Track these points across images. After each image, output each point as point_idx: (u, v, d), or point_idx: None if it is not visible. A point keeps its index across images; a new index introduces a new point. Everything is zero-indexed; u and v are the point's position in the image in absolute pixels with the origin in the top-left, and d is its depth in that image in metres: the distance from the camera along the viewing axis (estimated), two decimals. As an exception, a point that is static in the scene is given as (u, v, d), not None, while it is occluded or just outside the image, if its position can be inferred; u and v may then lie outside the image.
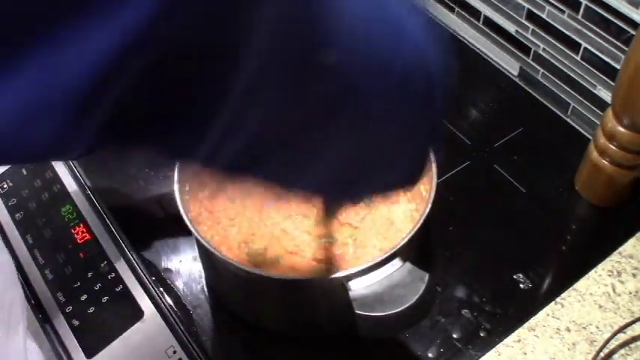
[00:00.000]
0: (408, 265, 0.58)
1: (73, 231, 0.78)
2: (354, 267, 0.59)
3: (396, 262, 0.58)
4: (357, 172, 0.39)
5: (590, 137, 0.81)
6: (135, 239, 0.77)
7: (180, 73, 0.29)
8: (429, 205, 0.62)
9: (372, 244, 0.69)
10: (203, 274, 0.73)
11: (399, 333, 0.68)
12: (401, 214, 0.73)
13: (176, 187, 0.64)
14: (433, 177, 0.65)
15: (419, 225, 0.61)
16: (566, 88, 0.89)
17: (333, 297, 0.60)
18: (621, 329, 0.67)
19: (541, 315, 0.70)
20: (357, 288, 0.57)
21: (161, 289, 0.72)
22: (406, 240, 0.60)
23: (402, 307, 0.55)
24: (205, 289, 0.72)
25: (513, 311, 0.70)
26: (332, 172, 0.38)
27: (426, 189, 0.70)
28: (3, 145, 0.29)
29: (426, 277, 0.57)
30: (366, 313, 0.56)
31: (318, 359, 0.69)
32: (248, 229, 0.71)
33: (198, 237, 0.61)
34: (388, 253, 0.58)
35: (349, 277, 0.57)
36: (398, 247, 0.59)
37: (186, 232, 0.77)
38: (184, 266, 0.75)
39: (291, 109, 0.33)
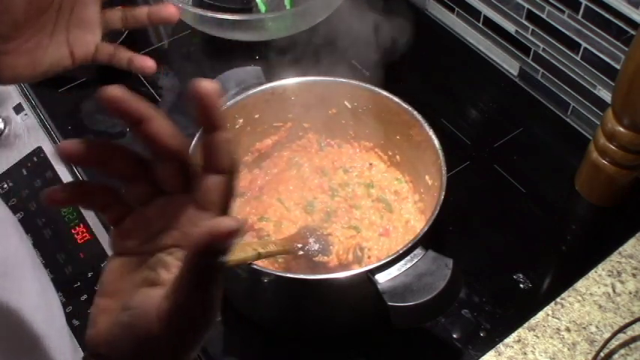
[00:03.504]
0: (431, 252, 0.59)
1: (73, 231, 0.78)
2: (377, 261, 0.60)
3: (419, 251, 0.59)
4: None
5: (590, 137, 0.81)
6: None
7: None
8: (443, 192, 0.63)
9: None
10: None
11: (432, 320, 0.68)
12: (410, 207, 0.75)
13: None
14: (442, 165, 0.66)
15: (436, 212, 0.62)
16: (566, 88, 0.89)
17: (362, 292, 0.60)
18: (621, 329, 0.67)
19: (541, 315, 0.70)
20: (385, 281, 0.58)
21: (161, 289, 0.72)
22: (426, 229, 0.61)
23: (433, 294, 0.56)
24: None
25: (513, 311, 0.70)
26: None
27: (431, 177, 0.70)
28: None
29: (451, 262, 0.58)
30: (399, 304, 0.56)
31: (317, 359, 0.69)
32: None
33: None
34: (410, 244, 0.59)
35: (374, 271, 0.58)
36: (419, 236, 0.60)
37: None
38: (184, 266, 0.75)
39: None
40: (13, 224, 0.70)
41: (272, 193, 0.77)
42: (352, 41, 0.95)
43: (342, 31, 0.94)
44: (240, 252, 0.58)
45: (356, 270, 0.60)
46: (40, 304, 0.70)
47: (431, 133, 0.69)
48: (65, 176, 0.84)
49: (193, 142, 0.69)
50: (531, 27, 0.89)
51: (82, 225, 0.79)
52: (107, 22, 0.65)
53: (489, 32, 0.97)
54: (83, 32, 0.63)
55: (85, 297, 0.73)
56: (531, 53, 0.91)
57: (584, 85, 0.86)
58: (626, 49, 0.76)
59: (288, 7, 1.00)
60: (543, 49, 0.89)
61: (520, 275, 0.73)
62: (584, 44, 0.82)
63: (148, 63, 0.68)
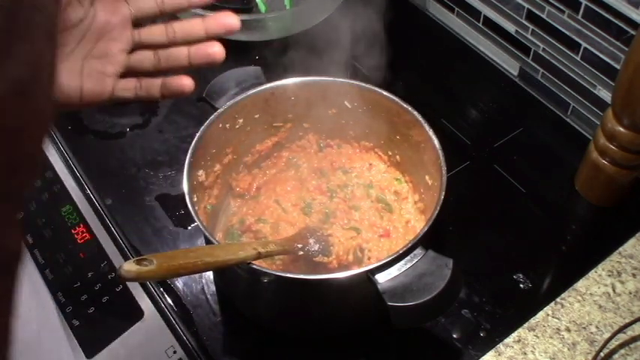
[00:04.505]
0: (431, 252, 0.59)
1: (73, 231, 0.78)
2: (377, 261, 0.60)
3: (419, 251, 0.59)
4: None
5: (590, 137, 0.81)
6: (135, 239, 0.77)
7: None
8: (443, 192, 0.63)
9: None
10: (204, 275, 0.73)
11: (432, 320, 0.68)
12: (410, 207, 0.75)
13: (187, 197, 0.64)
14: (442, 165, 0.66)
15: (436, 212, 0.62)
16: (566, 88, 0.89)
17: (362, 292, 0.60)
18: (621, 329, 0.67)
19: (541, 315, 0.70)
20: (385, 281, 0.58)
21: (161, 289, 0.72)
22: (426, 229, 0.61)
23: (433, 294, 0.56)
24: (205, 289, 0.72)
25: (513, 311, 0.70)
26: None
27: (431, 177, 0.70)
28: None
29: (450, 262, 0.58)
30: (399, 304, 0.56)
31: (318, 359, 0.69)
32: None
33: (214, 240, 0.61)
34: (410, 244, 0.59)
35: (374, 271, 0.58)
36: (419, 236, 0.60)
37: (187, 233, 0.77)
38: (184, 266, 0.75)
39: None
40: None
41: (270, 194, 0.77)
42: (352, 41, 0.95)
43: (342, 31, 0.94)
44: (240, 252, 0.58)
45: (356, 270, 0.60)
46: (32, 306, 0.70)
47: (431, 133, 0.69)
48: (65, 176, 0.84)
49: (193, 143, 0.69)
50: (531, 27, 0.89)
51: (82, 225, 0.79)
52: (118, 90, 0.57)
53: (489, 32, 0.97)
54: (101, 65, 0.53)
55: (85, 297, 0.73)
56: (531, 53, 0.91)
57: (584, 85, 0.86)
58: (626, 49, 0.76)
59: (288, 7, 1.00)
60: (543, 49, 0.89)
61: (520, 275, 0.73)
62: (584, 44, 0.82)
63: (185, 81, 0.57)
